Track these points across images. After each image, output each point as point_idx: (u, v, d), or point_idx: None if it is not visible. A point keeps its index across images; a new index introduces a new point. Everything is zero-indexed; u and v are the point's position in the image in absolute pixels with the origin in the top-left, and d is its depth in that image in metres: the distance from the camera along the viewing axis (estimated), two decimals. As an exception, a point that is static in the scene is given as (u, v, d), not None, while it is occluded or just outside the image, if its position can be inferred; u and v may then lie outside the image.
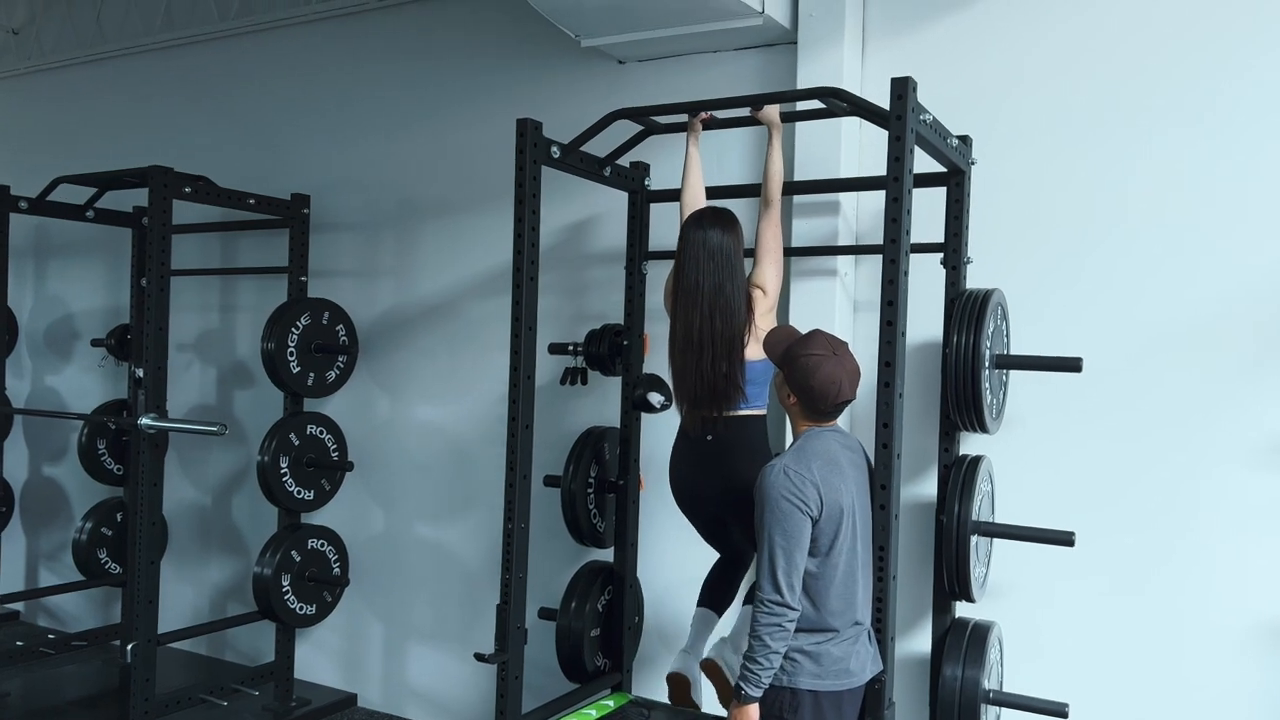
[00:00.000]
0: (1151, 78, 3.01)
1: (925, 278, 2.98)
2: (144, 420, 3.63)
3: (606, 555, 3.60)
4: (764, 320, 2.73)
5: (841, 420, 3.21)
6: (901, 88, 2.34)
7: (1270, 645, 2.82)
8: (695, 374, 2.67)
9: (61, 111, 5.70)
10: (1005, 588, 3.14)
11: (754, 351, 2.70)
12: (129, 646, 3.70)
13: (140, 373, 4.54)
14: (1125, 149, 3.04)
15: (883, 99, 2.53)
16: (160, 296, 3.74)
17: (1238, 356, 2.89)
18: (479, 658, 2.86)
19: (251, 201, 4.17)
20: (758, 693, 2.28)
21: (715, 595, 2.98)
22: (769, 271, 2.75)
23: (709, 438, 2.74)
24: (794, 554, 2.24)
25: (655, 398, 3.21)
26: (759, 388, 2.75)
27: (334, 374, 4.35)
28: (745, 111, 2.90)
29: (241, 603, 4.78)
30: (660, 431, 3.48)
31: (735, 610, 3.00)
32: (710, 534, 2.95)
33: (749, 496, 2.47)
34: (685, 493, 2.86)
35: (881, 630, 2.36)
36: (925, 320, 3.05)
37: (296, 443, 4.21)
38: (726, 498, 2.74)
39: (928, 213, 2.96)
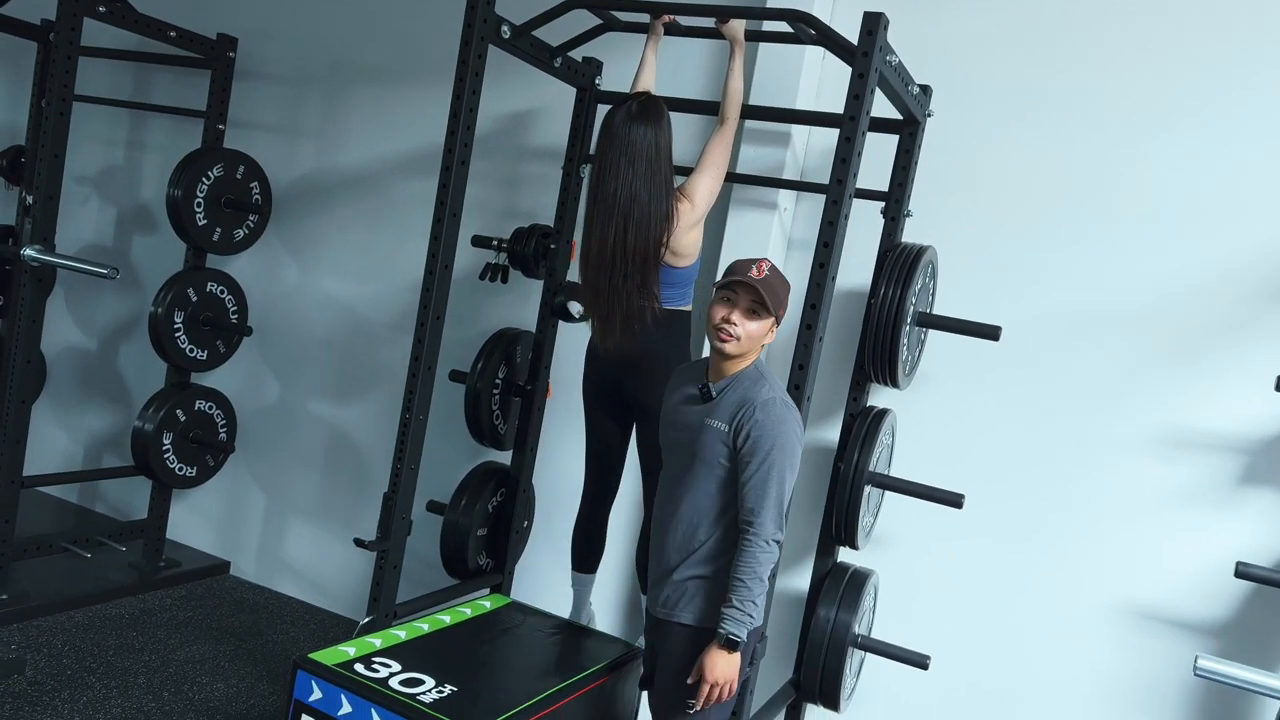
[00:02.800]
0: (1107, 62, 2.98)
1: (863, 224, 2.94)
2: (28, 251, 3.39)
3: (503, 458, 3.55)
4: (686, 235, 2.63)
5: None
6: (873, 23, 2.26)
7: (1124, 627, 2.95)
8: (607, 291, 2.58)
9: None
10: (889, 539, 3.21)
11: (675, 261, 2.64)
12: (-8, 487, 3.52)
13: (31, 199, 4.26)
14: (1069, 132, 3.03)
15: (850, 34, 2.44)
16: (59, 120, 3.46)
17: (1144, 351, 2.94)
18: (359, 543, 2.80)
19: (173, 34, 3.87)
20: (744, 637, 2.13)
21: (589, 556, 3.04)
22: (703, 184, 2.65)
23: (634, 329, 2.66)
24: (790, 490, 2.17)
25: (575, 307, 3.15)
26: (681, 289, 2.69)
27: (242, 233, 4.13)
28: (709, 22, 2.78)
29: (118, 455, 4.60)
30: (575, 342, 3.41)
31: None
32: (605, 430, 2.89)
33: (657, 381, 2.53)
34: (605, 381, 2.79)
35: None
36: (854, 269, 3.03)
37: (194, 299, 4.01)
38: (649, 398, 2.66)
39: (874, 158, 2.91)
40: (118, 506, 4.70)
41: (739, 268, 2.21)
